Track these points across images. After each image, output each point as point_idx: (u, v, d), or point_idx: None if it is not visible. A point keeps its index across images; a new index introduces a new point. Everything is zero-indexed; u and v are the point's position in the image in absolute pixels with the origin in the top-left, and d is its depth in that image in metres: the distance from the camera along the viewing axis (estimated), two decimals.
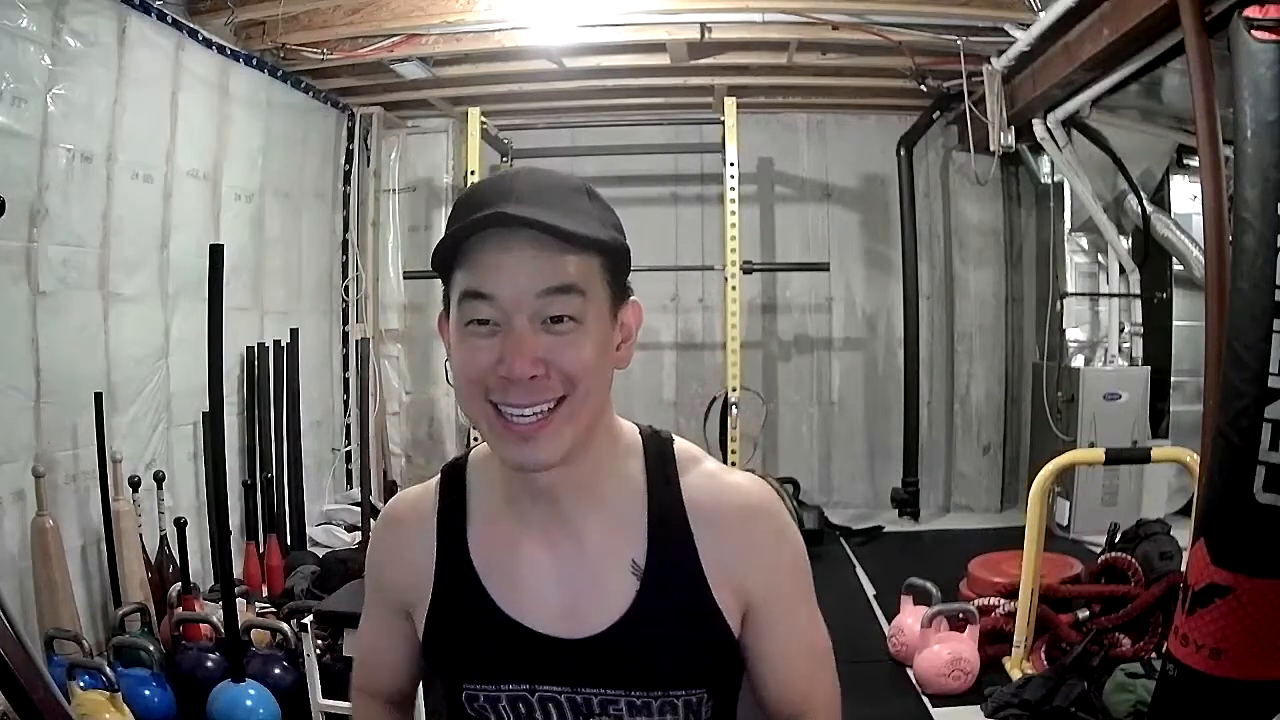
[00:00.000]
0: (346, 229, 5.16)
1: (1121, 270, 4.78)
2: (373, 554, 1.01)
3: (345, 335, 5.18)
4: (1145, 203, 4.35)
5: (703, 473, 0.92)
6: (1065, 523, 4.53)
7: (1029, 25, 3.58)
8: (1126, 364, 4.72)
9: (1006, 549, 3.49)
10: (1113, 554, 3.22)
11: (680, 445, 0.94)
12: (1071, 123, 4.26)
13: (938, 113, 4.81)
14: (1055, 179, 4.79)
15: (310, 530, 4.48)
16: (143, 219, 3.49)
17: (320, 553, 4.10)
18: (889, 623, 3.34)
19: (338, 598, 2.58)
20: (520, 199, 0.79)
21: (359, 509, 4.57)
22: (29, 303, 2.96)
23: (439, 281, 0.86)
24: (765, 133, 5.33)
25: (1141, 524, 3.45)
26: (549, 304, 0.79)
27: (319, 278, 4.97)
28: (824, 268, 5.04)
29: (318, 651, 2.53)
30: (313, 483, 4.62)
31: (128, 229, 3.39)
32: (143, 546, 3.29)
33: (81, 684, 2.56)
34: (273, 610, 3.28)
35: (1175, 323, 4.61)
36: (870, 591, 3.92)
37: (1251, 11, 2.10)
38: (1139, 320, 4.80)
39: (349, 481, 5.15)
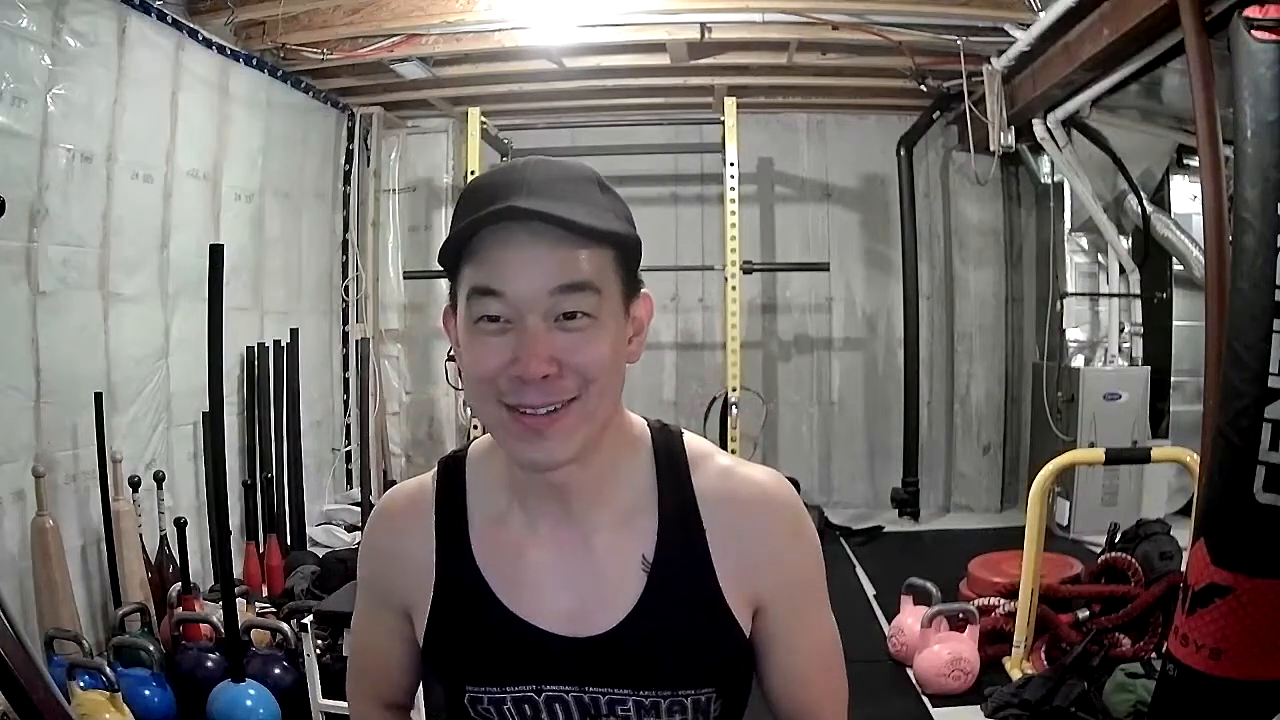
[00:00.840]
0: (346, 229, 5.16)
1: (1121, 270, 4.78)
2: (367, 551, 0.97)
3: (345, 335, 5.18)
4: (1145, 203, 4.35)
5: (716, 467, 0.90)
6: (1065, 523, 4.53)
7: (1029, 25, 3.58)
8: (1126, 364, 4.72)
9: (1006, 549, 3.49)
10: (1113, 554, 3.22)
11: (690, 439, 0.92)
12: (1071, 123, 4.26)
13: (938, 113, 4.81)
14: (1055, 179, 4.79)
15: (310, 530, 4.48)
16: (143, 219, 3.49)
17: (320, 553, 4.11)
18: (889, 623, 3.34)
19: (338, 598, 2.58)
20: (532, 191, 0.76)
21: (359, 509, 4.58)
22: (29, 303, 2.96)
23: (439, 282, 0.84)
24: (765, 133, 5.33)
25: (1141, 524, 3.45)
26: (563, 301, 0.76)
27: (319, 278, 4.97)
28: (824, 268, 5.04)
29: (318, 651, 2.53)
30: (313, 483, 4.62)
31: (128, 229, 3.39)
32: (143, 546, 3.29)
33: (81, 684, 2.57)
34: (273, 610, 3.28)
35: (1175, 323, 4.61)
36: (870, 591, 3.92)
37: (1251, 11, 2.10)
38: (1139, 320, 4.80)
39: (349, 481, 5.15)
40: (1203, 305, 2.77)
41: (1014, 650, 2.97)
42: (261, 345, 4.23)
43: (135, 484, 3.28)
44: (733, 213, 4.35)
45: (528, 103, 5.12)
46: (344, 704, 1.98)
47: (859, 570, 4.22)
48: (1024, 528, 2.93)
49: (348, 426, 5.18)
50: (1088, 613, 3.00)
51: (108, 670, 2.57)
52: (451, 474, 0.93)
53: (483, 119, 4.46)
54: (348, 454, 5.17)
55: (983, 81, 4.08)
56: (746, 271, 4.50)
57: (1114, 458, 3.19)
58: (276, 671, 2.84)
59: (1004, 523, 4.85)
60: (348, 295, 5.18)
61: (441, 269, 0.82)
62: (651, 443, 0.90)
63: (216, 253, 2.69)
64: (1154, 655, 2.80)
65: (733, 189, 4.36)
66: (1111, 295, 4.79)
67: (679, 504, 0.87)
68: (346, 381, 5.19)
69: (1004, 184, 5.21)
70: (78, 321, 3.18)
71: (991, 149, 4.18)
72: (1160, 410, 4.61)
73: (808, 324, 5.47)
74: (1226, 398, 2.11)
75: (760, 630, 0.89)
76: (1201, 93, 2.54)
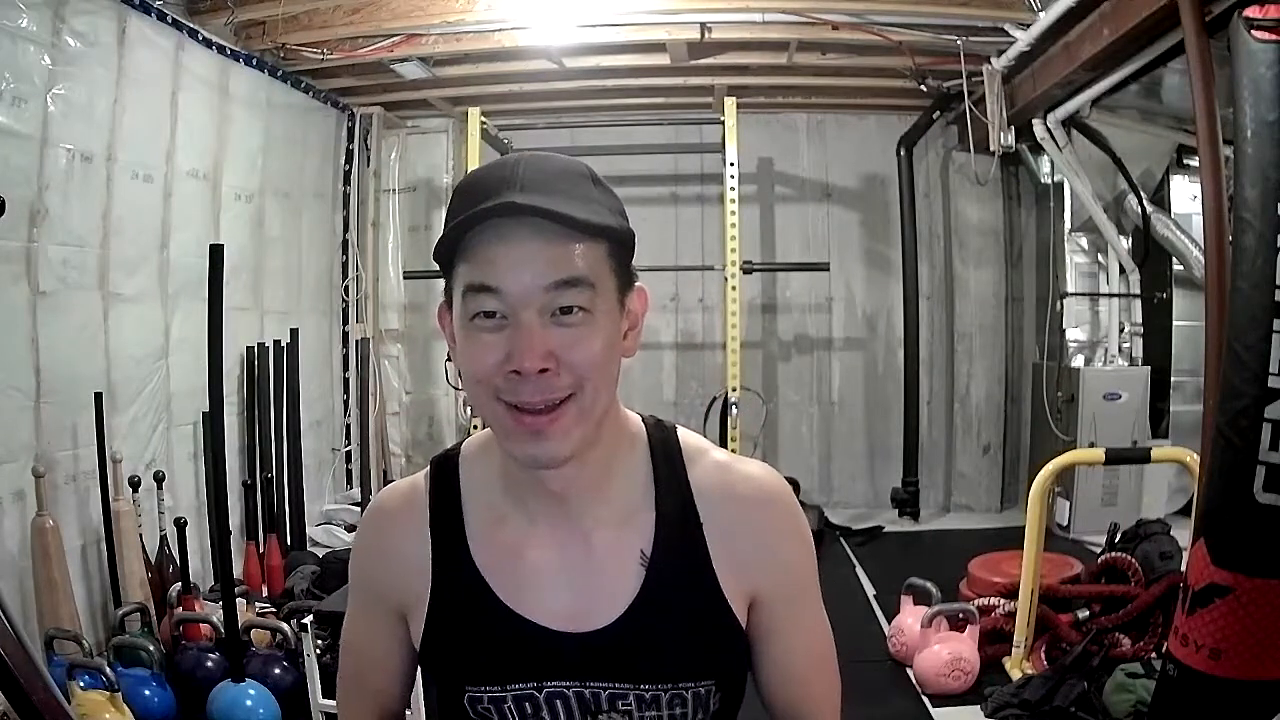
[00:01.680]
0: (346, 229, 5.17)
1: (1121, 270, 4.78)
2: (360, 553, 0.96)
3: (345, 335, 5.18)
4: (1145, 203, 4.35)
5: (712, 462, 0.90)
6: (1065, 523, 4.53)
7: (1029, 25, 3.58)
8: (1126, 364, 4.72)
9: (1006, 549, 3.49)
10: (1113, 554, 3.22)
11: (685, 435, 0.93)
12: (1071, 123, 4.26)
13: (938, 113, 4.81)
14: (1055, 179, 4.79)
15: (310, 530, 4.48)
16: (143, 219, 3.49)
17: (320, 553, 4.11)
18: (889, 623, 3.34)
19: (338, 598, 2.58)
20: (525, 187, 0.76)
21: (359, 509, 4.58)
22: (29, 303, 2.96)
23: (438, 281, 0.84)
24: (765, 133, 5.33)
25: (1141, 524, 3.45)
26: (558, 297, 0.76)
27: (319, 278, 4.97)
28: (824, 268, 5.04)
29: (318, 651, 2.52)
30: (313, 483, 4.62)
31: (128, 229, 3.39)
32: (143, 546, 3.29)
33: (81, 684, 2.56)
34: (273, 610, 3.28)
35: (1175, 323, 4.61)
36: (870, 591, 3.92)
37: (1251, 11, 2.10)
38: (1139, 320, 4.80)
39: (349, 481, 5.15)
40: (1203, 305, 2.77)
41: (1014, 650, 2.97)
42: (261, 345, 4.23)
43: (135, 484, 3.28)
44: (733, 213, 4.35)
45: (528, 103, 5.12)
46: None
47: (859, 570, 4.22)
48: (1024, 528, 2.93)
49: (348, 426, 5.18)
50: (1088, 613, 3.00)
51: (108, 670, 2.57)
52: (445, 473, 0.93)
53: (483, 119, 4.46)
54: (348, 454, 5.17)
55: (983, 81, 4.07)
56: (746, 271, 4.50)
57: (1114, 458, 3.18)
58: (276, 671, 2.84)
59: (1004, 523, 4.85)
60: (348, 295, 5.18)
61: (436, 267, 0.82)
62: (648, 439, 0.91)
63: (216, 253, 2.69)
64: (1154, 655, 2.80)
65: (733, 189, 4.36)
66: (1111, 295, 4.79)
67: (676, 499, 0.88)
68: (346, 381, 5.19)
69: (1004, 184, 5.21)
70: (78, 321, 3.18)
71: (991, 149, 4.18)
72: (1160, 410, 4.61)
73: (808, 324, 5.47)
74: (1226, 398, 2.11)
75: (755, 624, 0.90)
76: (1201, 93, 2.54)
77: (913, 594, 3.24)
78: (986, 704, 2.78)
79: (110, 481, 3.17)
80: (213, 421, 2.84)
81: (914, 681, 2.99)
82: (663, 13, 3.85)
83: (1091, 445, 4.25)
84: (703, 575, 0.86)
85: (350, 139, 5.15)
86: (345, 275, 5.18)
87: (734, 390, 4.38)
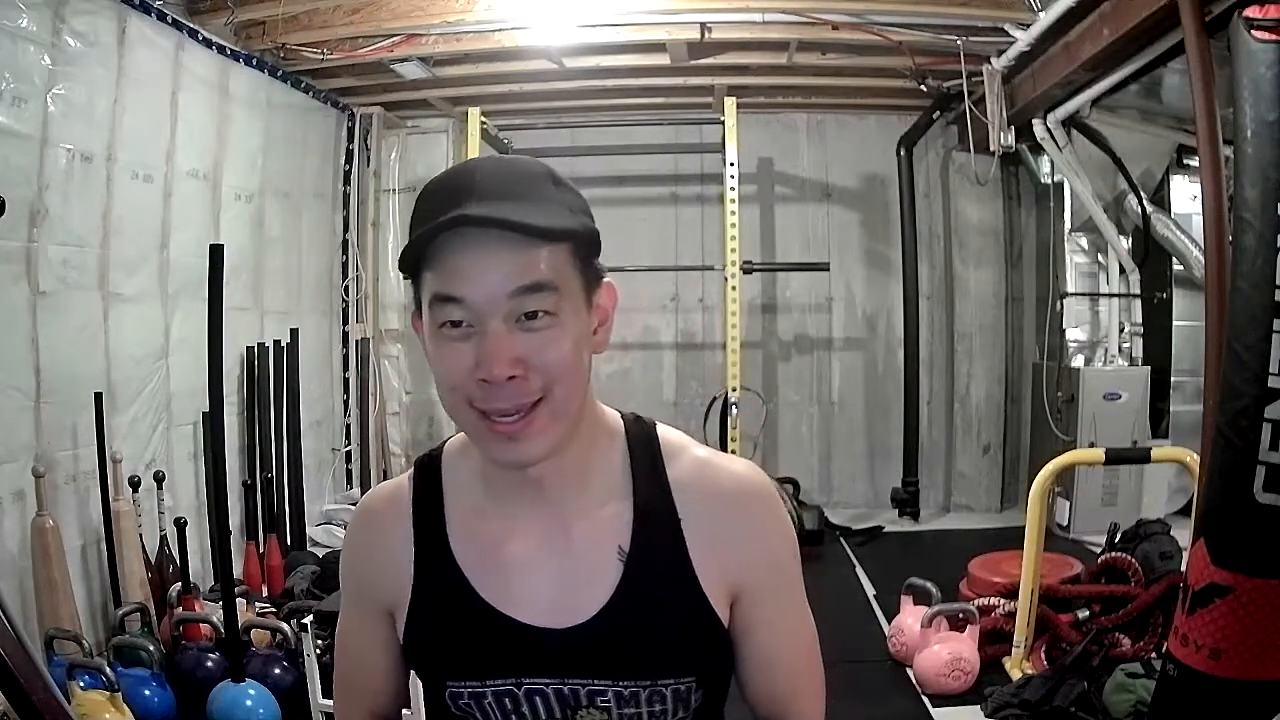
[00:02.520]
0: (346, 229, 5.16)
1: (1121, 270, 4.78)
2: (348, 554, 0.97)
3: (345, 335, 5.18)
4: (1145, 203, 4.35)
5: (692, 458, 0.91)
6: (1065, 523, 4.53)
7: (1029, 25, 3.58)
8: (1126, 364, 4.72)
9: (1006, 549, 3.49)
10: (1113, 554, 3.22)
11: (664, 431, 0.93)
12: (1071, 123, 4.26)
13: (938, 113, 4.81)
14: (1055, 179, 4.79)
15: (310, 530, 4.48)
16: (143, 219, 3.49)
17: (320, 553, 4.11)
18: (889, 623, 3.34)
19: (337, 598, 2.56)
20: (483, 195, 0.77)
21: None
22: (29, 303, 2.96)
23: None
24: (765, 133, 5.33)
25: (1141, 524, 3.45)
26: (523, 302, 0.77)
27: (319, 278, 4.97)
28: (824, 268, 5.04)
29: (318, 651, 2.53)
30: (313, 483, 4.62)
31: (128, 229, 3.39)
32: (143, 546, 3.29)
33: (81, 684, 2.56)
34: (273, 610, 3.28)
35: (1175, 323, 4.61)
36: (870, 591, 3.92)
37: (1251, 11, 2.10)
38: (1139, 320, 4.80)
39: (349, 481, 5.15)
40: (1203, 305, 2.77)
41: (1014, 650, 2.97)
42: (261, 345, 4.23)
43: (135, 484, 3.28)
44: (733, 213, 4.35)
45: (528, 103, 5.11)
46: None
47: (859, 570, 4.22)
48: (1024, 528, 2.93)
49: (348, 426, 5.18)
50: (1088, 613, 3.00)
51: (108, 670, 2.57)
52: (428, 472, 0.94)
53: (483, 119, 4.46)
54: (348, 454, 5.17)
55: (983, 81, 4.08)
56: (746, 271, 4.50)
57: (1114, 458, 3.19)
58: (276, 671, 2.84)
59: (1004, 523, 4.85)
60: (348, 295, 5.18)
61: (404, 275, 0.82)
62: (626, 434, 0.91)
63: (216, 253, 2.69)
64: (1154, 655, 2.80)
65: (733, 189, 4.36)
66: (1111, 295, 4.79)
67: (654, 494, 0.88)
68: (346, 381, 5.19)
69: (1004, 184, 5.21)
70: (78, 321, 3.18)
71: (991, 149, 4.18)
72: (1160, 410, 4.61)
73: (808, 324, 5.47)
74: (1226, 398, 2.11)
75: (737, 619, 0.89)
76: (1201, 93, 2.54)
77: (913, 594, 3.24)
78: (986, 704, 2.78)
79: (110, 481, 3.17)
80: (213, 421, 2.85)
81: (914, 681, 2.99)
82: (663, 13, 3.85)
83: (1091, 445, 4.25)
84: (681, 571, 0.86)
85: (350, 139, 5.15)
86: (345, 275, 5.18)
87: (734, 390, 4.38)
